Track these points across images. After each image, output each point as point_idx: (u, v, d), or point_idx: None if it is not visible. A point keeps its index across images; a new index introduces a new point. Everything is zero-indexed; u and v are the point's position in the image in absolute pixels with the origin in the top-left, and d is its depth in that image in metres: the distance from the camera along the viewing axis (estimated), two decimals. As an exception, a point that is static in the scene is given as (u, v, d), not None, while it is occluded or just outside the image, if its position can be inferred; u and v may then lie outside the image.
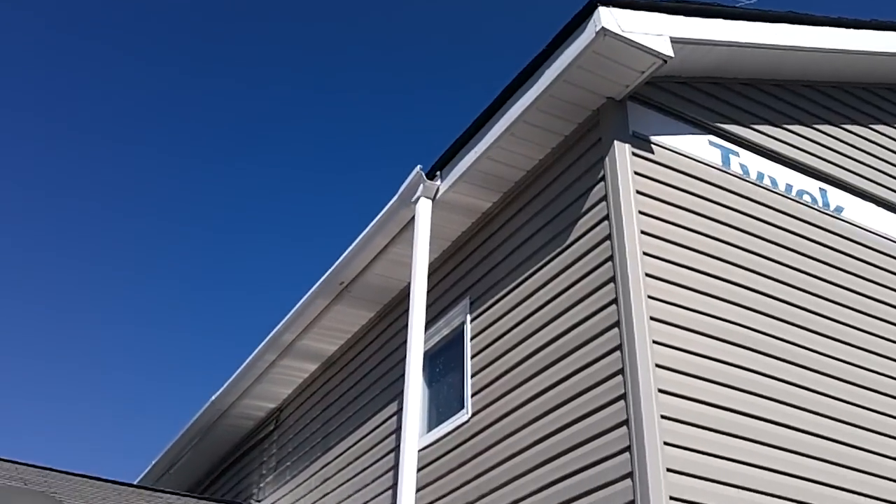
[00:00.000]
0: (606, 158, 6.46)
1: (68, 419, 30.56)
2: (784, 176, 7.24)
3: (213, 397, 11.19)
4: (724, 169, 6.90)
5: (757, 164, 7.12)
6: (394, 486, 7.76)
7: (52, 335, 29.72)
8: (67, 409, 30.84)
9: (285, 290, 31.66)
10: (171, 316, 31.40)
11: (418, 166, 7.76)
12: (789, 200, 7.16)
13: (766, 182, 7.09)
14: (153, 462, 12.91)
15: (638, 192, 6.30)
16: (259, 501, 11.00)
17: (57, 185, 28.12)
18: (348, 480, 8.90)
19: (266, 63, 28.14)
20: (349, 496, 8.77)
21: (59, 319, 29.83)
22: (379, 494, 8.20)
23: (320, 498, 9.38)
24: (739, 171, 6.98)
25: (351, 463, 8.96)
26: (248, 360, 10.44)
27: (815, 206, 7.31)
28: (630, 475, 5.32)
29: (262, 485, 11.14)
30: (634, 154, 6.47)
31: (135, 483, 11.70)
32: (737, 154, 7.05)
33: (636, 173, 6.38)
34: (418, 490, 7.08)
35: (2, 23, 22.20)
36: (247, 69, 28.13)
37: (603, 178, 6.44)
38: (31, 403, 30.05)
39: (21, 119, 26.47)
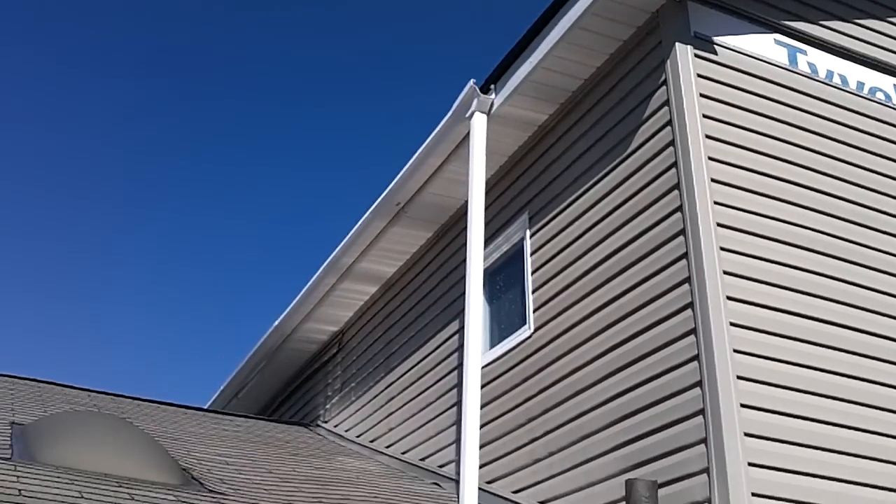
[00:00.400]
0: (667, 61, 6.23)
1: (139, 351, 31.10)
2: (855, 73, 6.95)
3: (277, 322, 11.22)
4: (790, 68, 6.63)
5: (826, 62, 6.84)
6: (458, 404, 7.72)
7: (116, 270, 30.10)
8: (138, 340, 31.37)
9: (343, 213, 31.64)
10: (231, 245, 31.62)
11: (472, 80, 7.56)
12: (861, 98, 6.87)
13: (836, 80, 6.81)
14: (221, 388, 13.05)
15: (701, 94, 6.08)
16: (325, 422, 11.07)
17: (134, 140, 28.26)
18: (412, 399, 8.89)
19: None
20: (414, 415, 8.77)
21: (124, 255, 30.20)
22: (443, 412, 8.17)
23: (385, 417, 9.40)
24: (807, 70, 6.71)
25: (415, 382, 8.94)
26: (308, 284, 10.43)
27: (889, 104, 7.00)
28: (699, 383, 5.20)
29: (327, 406, 11.21)
30: (697, 56, 6.24)
31: (204, 408, 11.84)
32: (804, 52, 6.77)
33: (699, 76, 6.15)
34: (482, 406, 7.02)
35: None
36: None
37: (664, 83, 6.22)
38: (104, 337, 30.61)
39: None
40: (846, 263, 6.04)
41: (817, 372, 5.49)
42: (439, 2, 28.70)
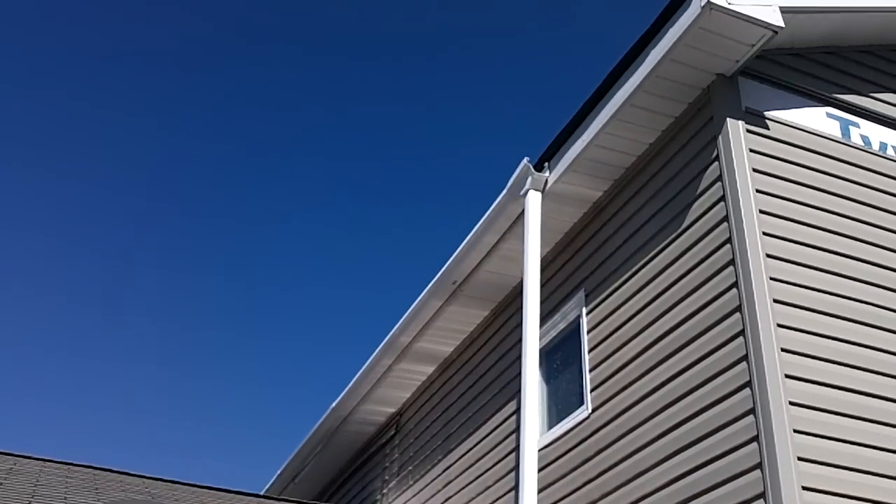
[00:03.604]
0: (720, 137, 6.21)
1: (195, 435, 31.20)
2: (910, 145, 6.87)
3: (334, 404, 11.20)
4: (843, 141, 6.57)
5: (879, 134, 6.77)
6: (516, 487, 7.60)
7: (176, 351, 30.37)
8: (194, 425, 31.49)
9: (399, 291, 31.75)
10: (287, 324, 31.80)
11: (526, 158, 7.61)
12: (916, 170, 6.78)
13: (890, 152, 6.73)
14: (278, 472, 13.00)
15: (754, 169, 6.04)
16: (384, 506, 10.97)
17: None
18: (471, 482, 8.77)
19: (367, 70, 28.22)
20: (472, 498, 8.65)
21: (184, 335, 30.48)
22: (502, 496, 8.05)
23: (444, 501, 9.28)
24: (860, 143, 6.64)
25: (473, 465, 8.83)
26: (365, 365, 10.42)
27: (945, 175, 6.90)
28: (759, 465, 5.06)
29: (385, 490, 11.10)
30: (749, 131, 6.21)
31: (261, 494, 11.78)
32: (857, 125, 6.70)
33: (751, 150, 6.12)
34: (540, 490, 6.92)
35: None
36: (348, 72, 28.23)
37: (717, 158, 6.19)
38: (160, 419, 30.76)
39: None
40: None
41: (879, 451, 5.32)
42: (493, 80, 28.98)
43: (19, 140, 24.99)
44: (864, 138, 6.68)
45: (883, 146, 6.72)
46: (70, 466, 9.78)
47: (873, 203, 6.40)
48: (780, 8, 6.17)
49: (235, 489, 10.61)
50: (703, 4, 5.92)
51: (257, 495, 11.06)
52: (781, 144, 6.30)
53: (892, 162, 6.69)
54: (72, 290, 28.39)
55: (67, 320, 28.89)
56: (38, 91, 24.58)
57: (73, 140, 26.44)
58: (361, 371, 10.52)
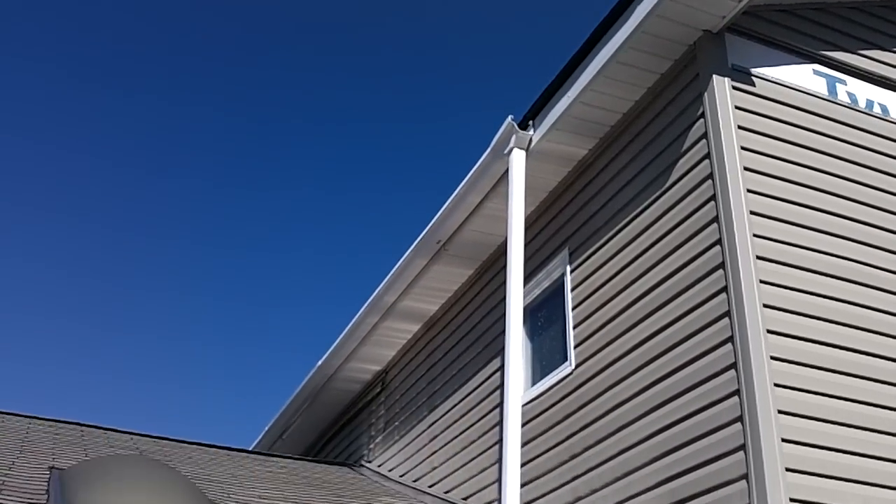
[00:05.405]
0: (705, 94, 6.19)
1: (183, 395, 31.25)
2: (896, 102, 6.86)
3: (320, 362, 11.22)
4: (830, 98, 6.56)
5: (866, 92, 6.76)
6: (500, 441, 7.65)
7: (161, 313, 30.33)
8: (182, 385, 31.55)
9: (383, 250, 31.64)
10: (272, 284, 31.74)
11: (510, 116, 7.57)
12: (903, 128, 6.79)
13: (877, 110, 6.73)
14: (265, 429, 13.05)
15: (739, 126, 6.03)
16: (370, 462, 11.03)
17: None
18: (456, 438, 8.82)
19: (349, 22, 27.98)
20: (457, 453, 8.70)
21: (169, 299, 30.47)
22: (486, 450, 8.10)
23: (429, 456, 9.34)
24: (847, 100, 6.63)
25: (458, 420, 8.88)
26: (351, 324, 10.43)
27: (932, 133, 6.90)
28: (740, 419, 5.10)
29: (371, 446, 11.17)
30: (734, 88, 6.19)
31: (249, 449, 11.84)
32: (843, 82, 6.69)
33: (737, 107, 6.10)
34: (524, 444, 6.96)
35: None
36: (332, 36, 28.02)
37: (702, 115, 6.18)
38: (146, 379, 30.80)
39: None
40: (889, 294, 5.93)
41: (859, 405, 5.37)
42: (476, 39, 28.80)
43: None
44: (851, 96, 6.67)
45: (869, 104, 6.71)
46: (58, 423, 9.80)
47: (859, 161, 6.40)
48: (768, -37, 6.15)
49: (224, 445, 10.67)
50: (689, -41, 5.89)
51: (245, 451, 11.12)
52: (767, 101, 6.28)
53: (878, 119, 6.68)
54: (59, 256, 28.34)
55: (51, 281, 28.80)
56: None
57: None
58: (347, 330, 10.53)
